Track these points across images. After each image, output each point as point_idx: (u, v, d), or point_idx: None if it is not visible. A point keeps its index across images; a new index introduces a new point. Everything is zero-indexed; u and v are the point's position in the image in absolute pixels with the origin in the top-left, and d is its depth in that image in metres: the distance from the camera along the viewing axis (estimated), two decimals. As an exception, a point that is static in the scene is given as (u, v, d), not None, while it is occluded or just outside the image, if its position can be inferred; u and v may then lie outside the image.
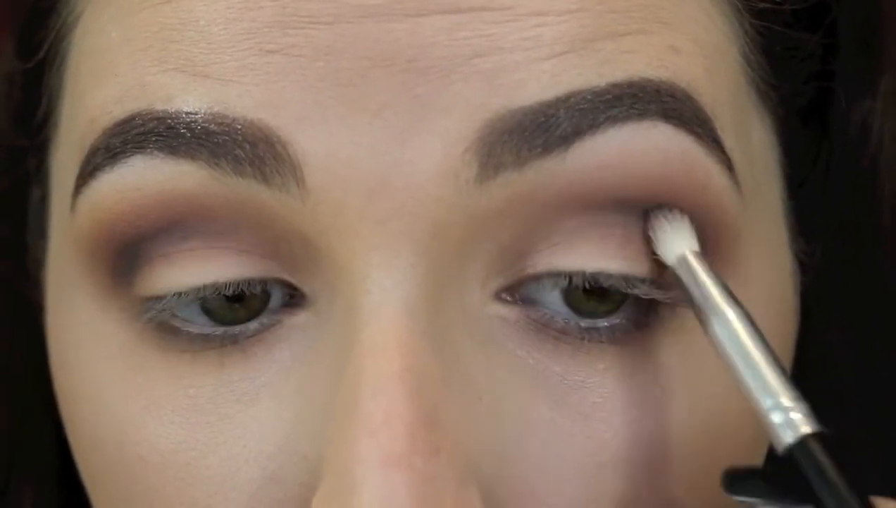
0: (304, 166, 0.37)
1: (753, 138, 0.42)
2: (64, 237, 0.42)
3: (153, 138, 0.38)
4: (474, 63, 0.37)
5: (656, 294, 0.39)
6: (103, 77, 0.39)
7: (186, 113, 0.38)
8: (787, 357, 0.44)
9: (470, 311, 0.39)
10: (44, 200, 0.45)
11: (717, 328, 0.38)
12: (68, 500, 0.49)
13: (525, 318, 0.39)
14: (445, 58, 0.37)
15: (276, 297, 0.39)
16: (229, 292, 0.39)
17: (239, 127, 0.37)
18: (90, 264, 0.40)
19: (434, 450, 0.36)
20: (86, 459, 0.43)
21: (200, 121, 0.38)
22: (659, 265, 0.39)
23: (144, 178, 0.38)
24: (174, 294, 0.39)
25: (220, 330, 0.39)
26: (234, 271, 0.39)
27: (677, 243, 0.39)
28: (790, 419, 0.36)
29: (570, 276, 0.39)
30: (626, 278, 0.39)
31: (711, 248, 0.40)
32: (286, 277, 0.39)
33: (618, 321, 0.39)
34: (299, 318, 0.39)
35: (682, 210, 0.39)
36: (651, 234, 0.39)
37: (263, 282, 0.39)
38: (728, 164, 0.39)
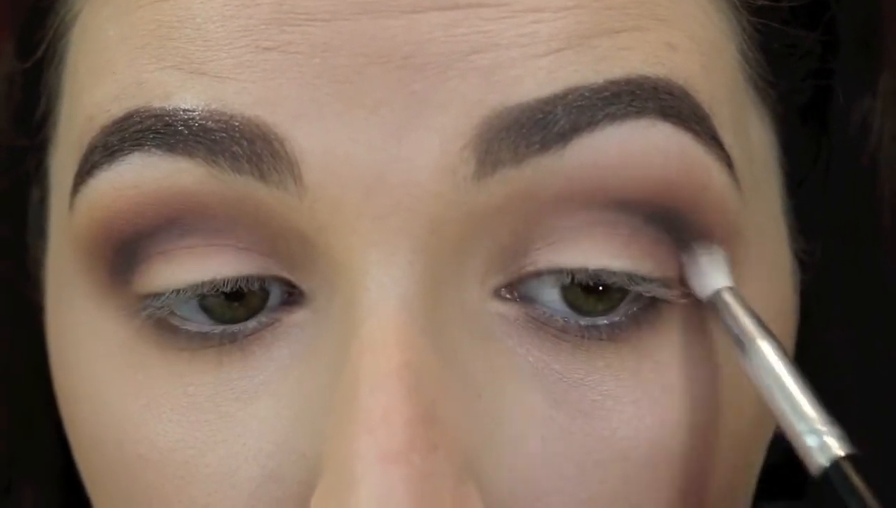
0: (302, 163, 0.37)
1: (752, 136, 0.42)
2: (63, 236, 0.42)
3: (151, 136, 0.38)
4: (471, 60, 0.37)
5: (658, 292, 0.39)
6: (101, 75, 0.40)
7: (184, 110, 0.38)
8: (788, 356, 0.44)
9: (469, 308, 0.39)
10: (43, 199, 0.45)
11: (753, 360, 0.39)
12: (69, 500, 0.49)
13: (524, 316, 0.39)
14: (442, 54, 0.37)
15: (275, 295, 0.39)
16: (227, 289, 0.39)
17: (236, 124, 0.37)
18: (89, 262, 0.40)
19: (432, 447, 0.36)
20: (86, 458, 0.43)
21: (198, 118, 0.38)
22: (662, 264, 0.39)
23: (142, 175, 0.38)
24: (172, 291, 0.39)
25: (218, 329, 0.39)
26: (233, 269, 0.39)
27: (713, 278, 0.39)
28: (824, 443, 0.37)
29: (571, 273, 0.39)
30: (630, 276, 0.39)
31: (711, 246, 0.40)
32: (285, 274, 0.39)
33: (617, 318, 0.39)
34: (298, 316, 0.39)
35: (686, 212, 0.39)
36: (684, 262, 0.39)
37: (262, 279, 0.39)
38: (727, 161, 0.39)
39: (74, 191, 0.40)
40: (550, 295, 0.39)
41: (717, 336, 0.40)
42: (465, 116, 0.37)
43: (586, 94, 0.37)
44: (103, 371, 0.41)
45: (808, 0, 0.42)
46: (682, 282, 0.39)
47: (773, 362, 0.39)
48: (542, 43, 0.37)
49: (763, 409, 0.39)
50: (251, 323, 0.39)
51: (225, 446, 0.39)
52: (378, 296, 0.37)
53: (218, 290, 0.39)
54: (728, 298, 0.39)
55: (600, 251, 0.39)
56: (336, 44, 0.37)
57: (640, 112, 0.38)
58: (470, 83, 0.37)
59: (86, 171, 0.39)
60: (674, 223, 0.39)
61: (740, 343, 0.39)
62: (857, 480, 0.37)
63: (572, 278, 0.39)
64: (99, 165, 0.39)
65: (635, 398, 0.39)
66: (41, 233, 0.45)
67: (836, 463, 0.37)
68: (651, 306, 0.39)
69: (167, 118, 0.38)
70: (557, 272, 0.39)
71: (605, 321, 0.39)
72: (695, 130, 0.39)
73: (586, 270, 0.39)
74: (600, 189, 0.38)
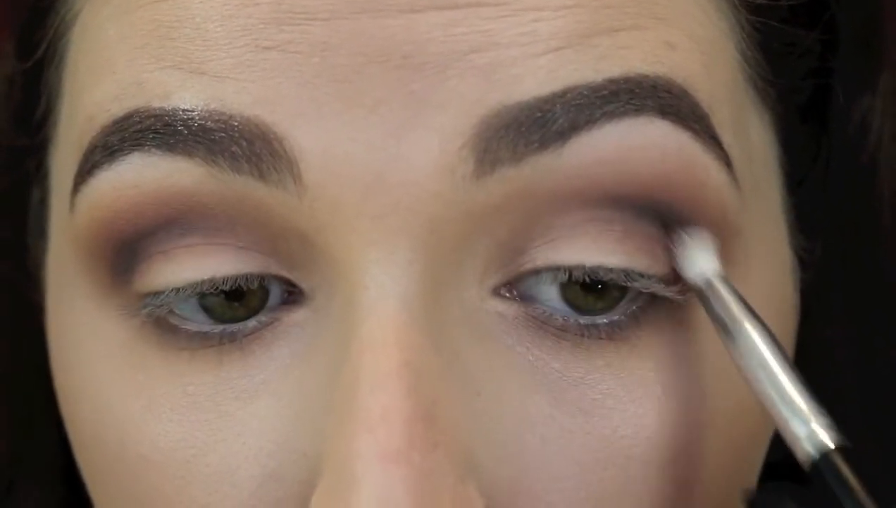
0: (301, 163, 0.37)
1: (752, 135, 0.42)
2: (63, 236, 0.42)
3: (150, 136, 0.38)
4: (470, 59, 0.37)
5: (656, 288, 0.39)
6: (101, 75, 0.40)
7: (183, 110, 0.38)
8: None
9: (468, 307, 0.39)
10: (44, 200, 0.45)
11: (740, 344, 0.38)
12: (71, 499, 0.49)
13: (524, 315, 0.39)
14: (441, 53, 0.37)
15: (275, 294, 0.39)
16: (227, 288, 0.39)
17: (236, 124, 0.37)
18: (89, 262, 0.40)
19: (432, 445, 0.36)
20: (87, 458, 0.43)
21: (197, 118, 0.38)
22: (659, 260, 0.39)
23: (142, 175, 0.38)
24: (172, 290, 0.39)
25: (218, 328, 0.40)
26: (232, 267, 0.39)
27: (701, 264, 0.39)
28: (813, 433, 0.37)
29: (569, 270, 0.39)
30: (626, 273, 0.39)
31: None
32: (284, 273, 0.39)
33: (617, 317, 0.39)
34: (297, 315, 0.39)
35: (685, 210, 0.39)
36: (672, 249, 0.39)
37: (261, 278, 0.39)
38: (726, 160, 0.39)
39: (75, 191, 0.40)
40: (549, 293, 0.39)
41: (718, 335, 0.40)
42: (464, 115, 0.37)
43: (585, 92, 0.38)
44: (104, 371, 0.41)
45: None
46: (681, 279, 0.39)
47: (761, 346, 0.38)
48: (541, 42, 0.37)
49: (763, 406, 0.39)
50: (251, 323, 0.39)
51: (225, 445, 0.39)
52: (378, 295, 0.37)
53: (217, 288, 0.39)
54: (716, 284, 0.39)
55: (596, 248, 0.39)
56: (335, 43, 0.37)
57: (639, 110, 0.38)
58: (469, 82, 0.37)
59: (86, 171, 0.39)
60: (666, 218, 0.39)
61: (727, 329, 0.39)
62: (846, 472, 0.36)
63: (570, 276, 0.39)
64: (99, 164, 0.39)
65: (636, 397, 0.39)
66: (42, 233, 0.45)
67: (825, 455, 0.37)
68: (650, 304, 0.40)
69: (167, 118, 0.38)
70: (556, 270, 0.39)
71: (605, 320, 0.39)
72: (693, 129, 0.39)
73: (583, 267, 0.39)
74: (598, 186, 0.38)
